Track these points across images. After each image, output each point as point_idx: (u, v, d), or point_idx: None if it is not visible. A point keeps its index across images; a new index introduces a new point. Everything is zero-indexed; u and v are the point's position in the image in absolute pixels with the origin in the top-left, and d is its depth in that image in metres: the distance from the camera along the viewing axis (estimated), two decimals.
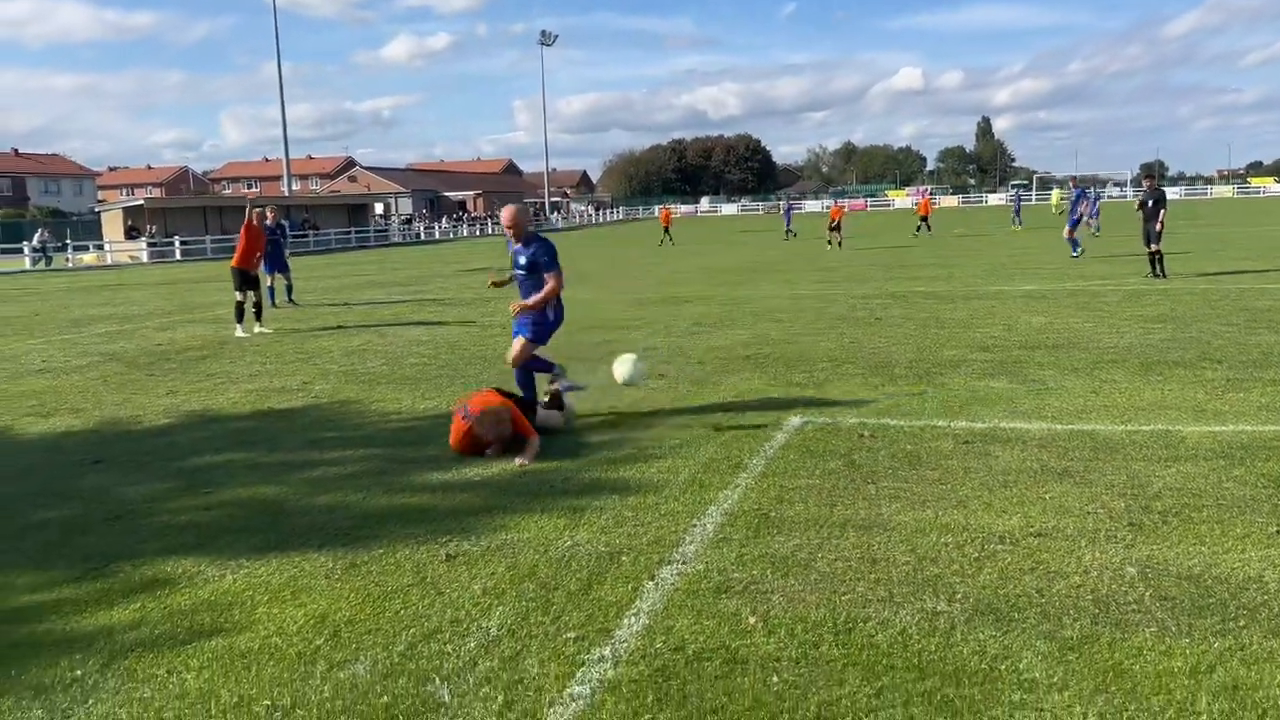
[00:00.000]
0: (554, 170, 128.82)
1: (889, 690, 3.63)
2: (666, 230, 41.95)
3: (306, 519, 5.64)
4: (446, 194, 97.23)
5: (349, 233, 57.24)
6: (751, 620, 4.17)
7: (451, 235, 69.75)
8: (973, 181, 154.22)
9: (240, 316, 14.82)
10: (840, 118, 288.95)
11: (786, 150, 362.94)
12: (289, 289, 20.58)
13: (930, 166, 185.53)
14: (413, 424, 7.92)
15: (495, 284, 8.23)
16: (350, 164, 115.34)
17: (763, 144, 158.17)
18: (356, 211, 63.95)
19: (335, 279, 27.89)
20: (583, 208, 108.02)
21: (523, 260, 7.60)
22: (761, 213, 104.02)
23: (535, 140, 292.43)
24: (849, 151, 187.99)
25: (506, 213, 7.59)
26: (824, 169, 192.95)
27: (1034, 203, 75.38)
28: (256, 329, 14.75)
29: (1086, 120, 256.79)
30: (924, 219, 37.48)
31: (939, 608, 4.26)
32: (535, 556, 4.96)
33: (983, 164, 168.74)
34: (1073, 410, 7.62)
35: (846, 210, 36.04)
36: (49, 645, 4.13)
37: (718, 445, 6.92)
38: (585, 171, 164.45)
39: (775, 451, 6.70)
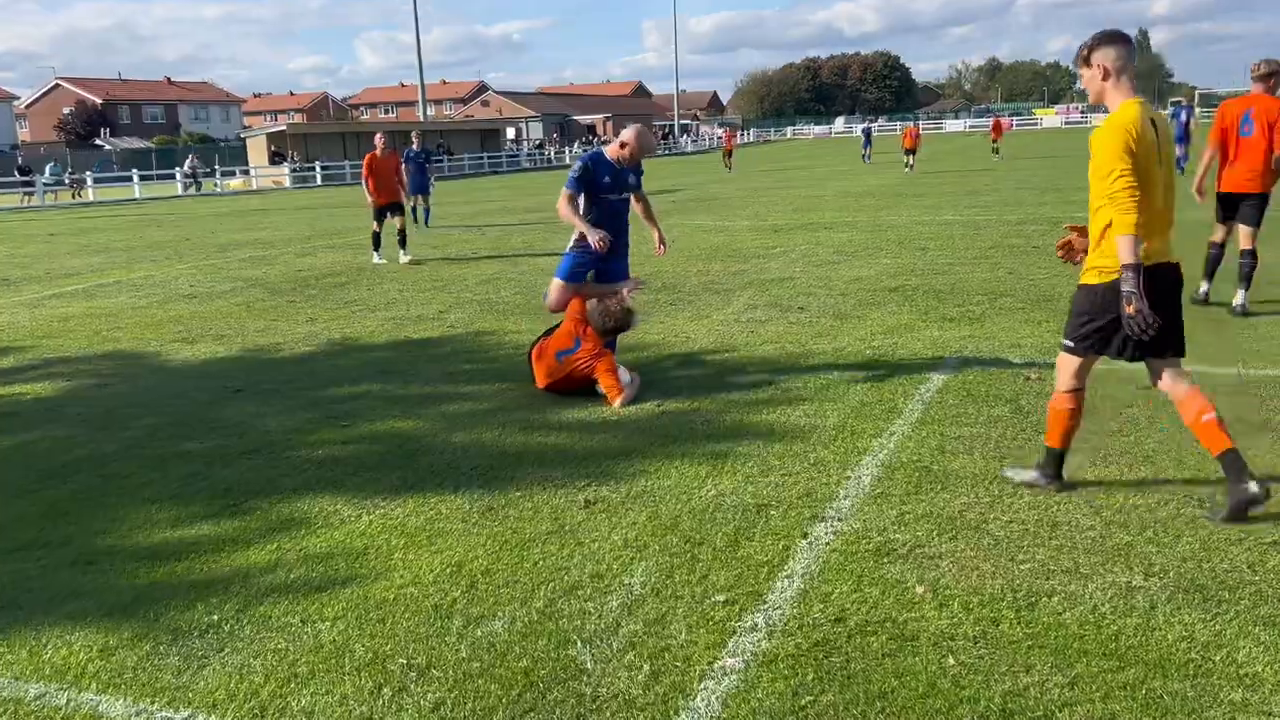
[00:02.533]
0: (683, 91, 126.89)
1: (1084, 680, 3.21)
2: (728, 154, 41.45)
3: (443, 457, 5.50)
4: (576, 117, 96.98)
5: (481, 158, 57.66)
6: (919, 590, 3.79)
7: (556, 160, 69.55)
8: None
9: (377, 244, 14.92)
10: (984, 32, 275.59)
11: (926, 68, 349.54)
12: (427, 213, 21.02)
13: (1080, 84, 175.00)
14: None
15: None
16: (482, 88, 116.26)
17: (901, 61, 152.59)
18: (488, 136, 64.39)
19: (469, 204, 28.08)
20: (713, 129, 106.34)
21: (631, 179, 6.69)
22: (898, 133, 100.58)
23: (664, 62, 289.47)
24: (993, 68, 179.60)
25: (633, 134, 6.62)
26: (966, 86, 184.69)
27: (1204, 122, 70.64)
28: (403, 258, 14.49)
29: (1261, 31, 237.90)
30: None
31: (1134, 582, 3.79)
32: (677, 506, 4.68)
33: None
34: (1274, 351, 6.89)
35: (918, 133, 35.37)
36: (187, 586, 4.07)
37: (867, 387, 6.54)
38: (715, 93, 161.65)
39: (932, 395, 6.30)
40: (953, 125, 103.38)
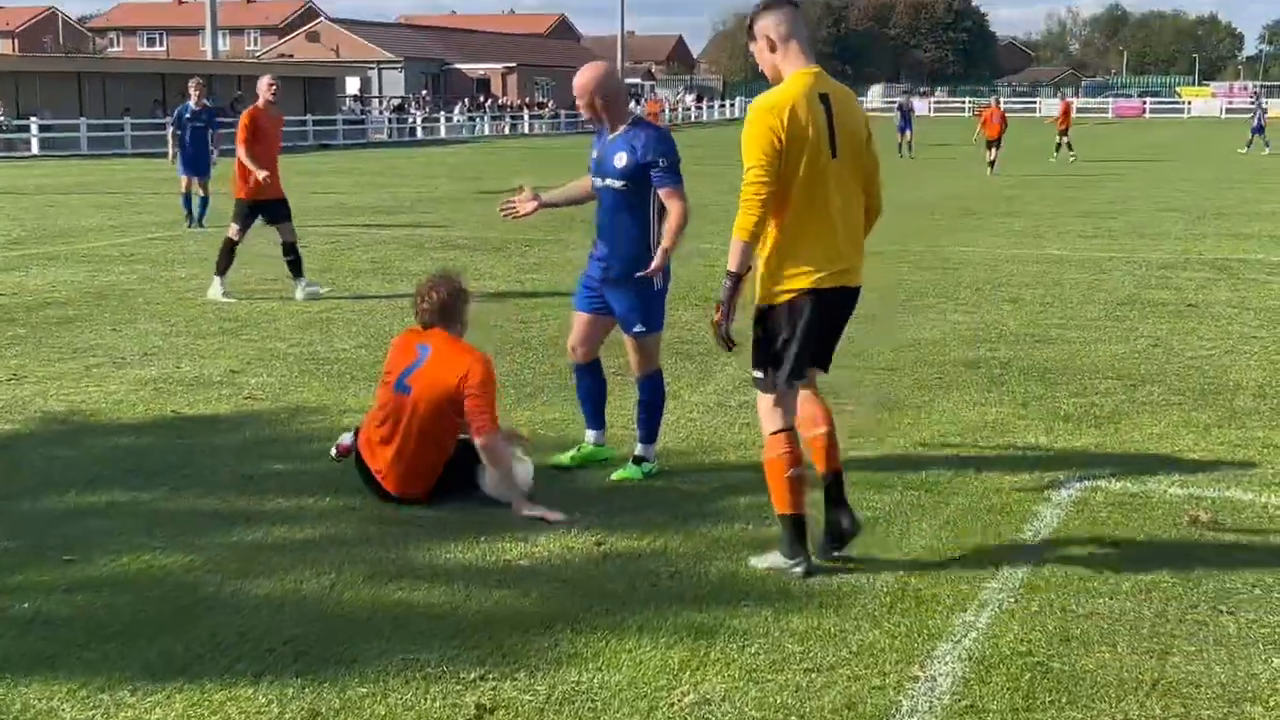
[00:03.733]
0: (631, 34, 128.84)
1: None
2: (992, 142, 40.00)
3: (235, 622, 5.38)
4: (459, 66, 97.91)
5: (305, 121, 57.91)
6: None
7: (467, 132, 70.20)
8: None
9: (226, 262, 13.80)
10: None
11: (1012, 15, 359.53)
12: (203, 205, 20.98)
13: (1250, 49, 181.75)
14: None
15: (519, 213, 7.54)
16: (309, 14, 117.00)
17: (973, 3, 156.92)
18: (317, 89, 64.70)
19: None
20: (677, 96, 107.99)
21: (621, 161, 7.02)
22: (968, 114, 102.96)
23: None
24: (1114, 21, 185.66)
25: (585, 76, 7.03)
26: (1073, 48, 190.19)
27: None
28: (300, 291, 13.80)
29: None
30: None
31: None
32: None
33: None
34: None
35: (1003, 115, 36.80)
36: None
37: (938, 525, 6.56)
38: (680, 39, 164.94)
39: (1044, 541, 6.35)
40: (1052, 105, 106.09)
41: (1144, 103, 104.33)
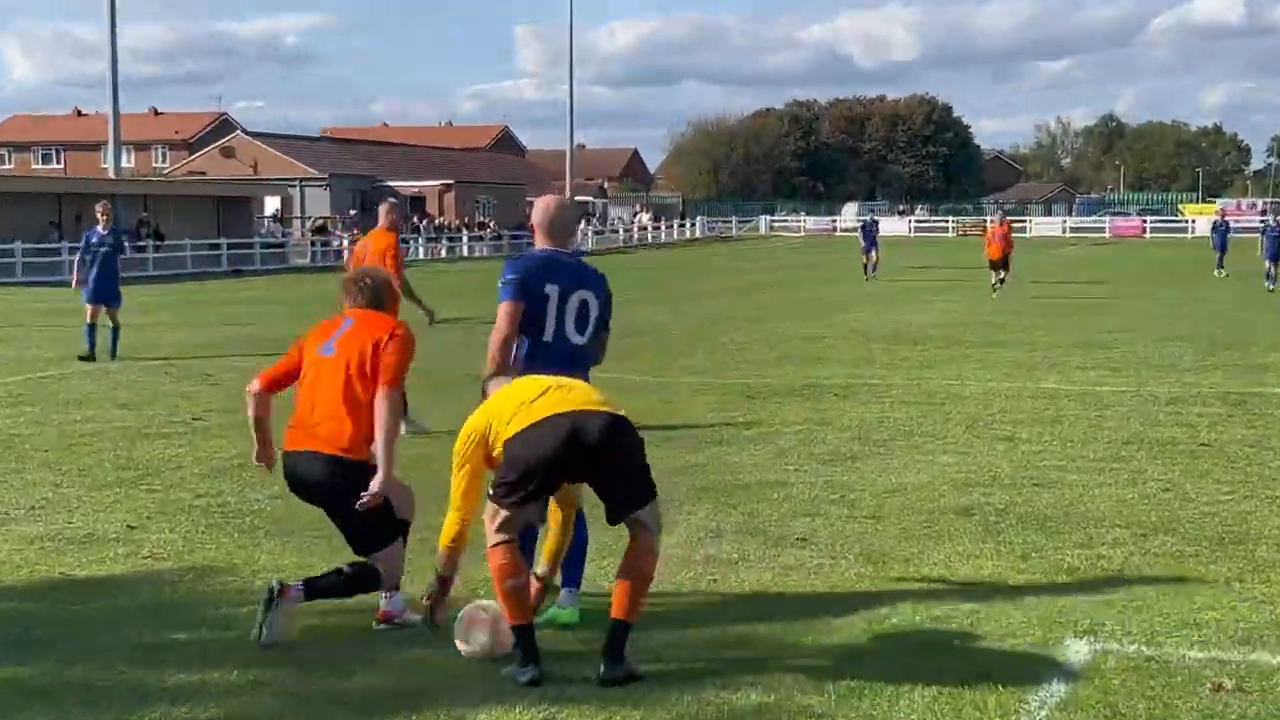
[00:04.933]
0: (582, 148, 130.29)
1: None
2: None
3: None
4: (391, 182, 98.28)
5: (219, 245, 58.03)
6: None
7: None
8: None
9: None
10: (1093, 73, 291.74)
11: (997, 127, 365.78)
12: (114, 337, 21.11)
13: (1258, 163, 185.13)
14: (339, 620, 7.64)
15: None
16: (224, 128, 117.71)
17: (955, 114, 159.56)
18: (232, 209, 64.93)
19: (191, 328, 27.90)
20: (632, 215, 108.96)
21: (578, 297, 7.83)
22: (952, 234, 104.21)
23: (551, 96, 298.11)
24: (1109, 134, 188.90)
25: (545, 205, 8.06)
26: (1065, 162, 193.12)
27: None
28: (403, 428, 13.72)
29: None
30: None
31: None
32: None
33: None
34: None
35: (1008, 233, 37.90)
36: None
37: (933, 694, 6.50)
38: (635, 152, 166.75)
39: (1051, 713, 6.28)
40: (1045, 225, 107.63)
41: (1144, 221, 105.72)
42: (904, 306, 33.37)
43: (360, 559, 7.27)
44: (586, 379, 7.51)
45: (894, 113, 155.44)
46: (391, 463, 7.14)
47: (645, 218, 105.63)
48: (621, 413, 6.77)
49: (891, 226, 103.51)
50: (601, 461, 6.64)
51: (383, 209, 15.94)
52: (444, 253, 73.86)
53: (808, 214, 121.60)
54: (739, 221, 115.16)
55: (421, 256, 71.13)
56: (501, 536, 6.67)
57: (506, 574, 6.62)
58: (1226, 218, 55.92)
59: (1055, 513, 10.30)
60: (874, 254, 46.07)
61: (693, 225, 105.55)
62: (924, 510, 10.39)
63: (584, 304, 7.77)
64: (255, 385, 7.58)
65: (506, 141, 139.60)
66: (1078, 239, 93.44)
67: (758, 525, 9.88)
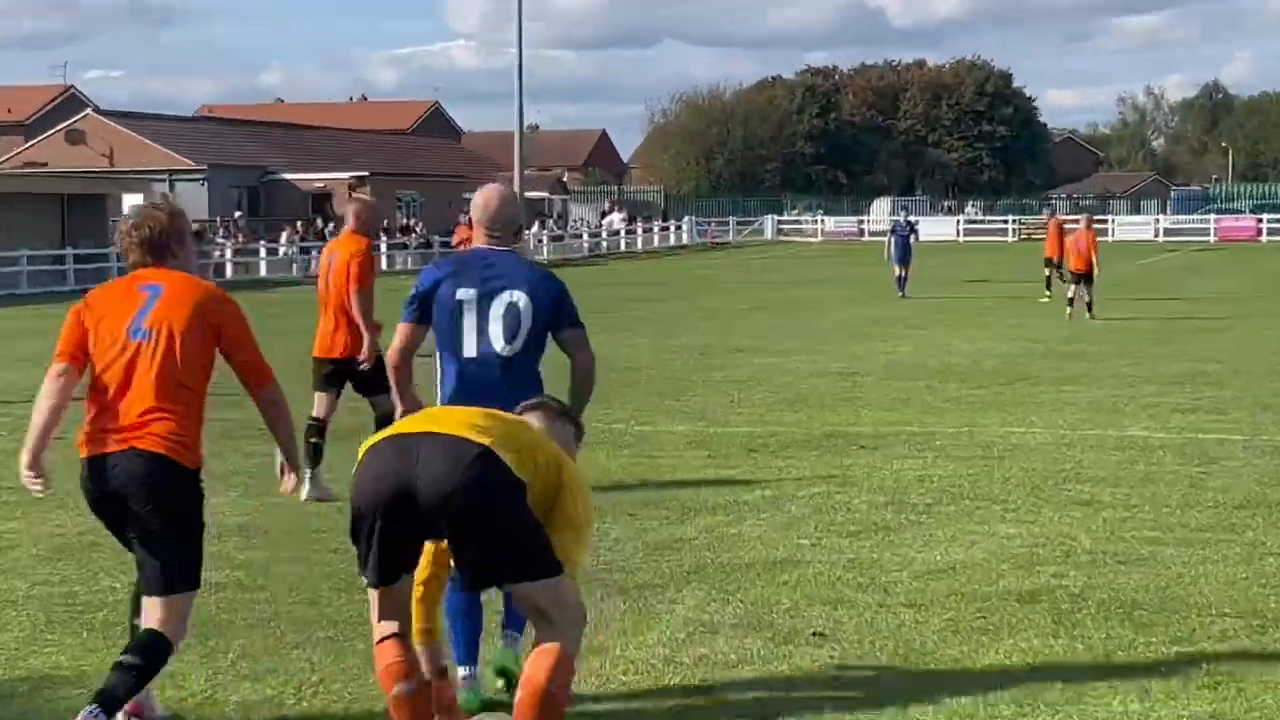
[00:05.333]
0: (535, 129, 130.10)
1: None
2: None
3: None
4: (288, 176, 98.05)
5: (64, 258, 57.77)
6: None
7: (299, 270, 69.96)
8: None
9: (316, 456, 14.44)
10: (1193, 30, 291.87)
11: (1064, 101, 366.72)
12: None
13: None
14: None
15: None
16: (71, 105, 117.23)
17: (1015, 84, 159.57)
18: (82, 210, 64.45)
19: (26, 367, 27.76)
20: (600, 215, 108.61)
21: (503, 300, 8.28)
22: (1012, 237, 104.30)
23: (494, 62, 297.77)
24: (1213, 107, 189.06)
25: (484, 198, 8.64)
26: (1157, 144, 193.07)
27: None
28: (305, 491, 13.70)
29: None
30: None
31: None
32: None
33: None
34: None
35: (1093, 239, 38.00)
36: None
37: None
38: (605, 134, 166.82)
39: None
40: (1132, 226, 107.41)
41: (1260, 221, 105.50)
42: (951, 332, 33.35)
43: (144, 635, 7.38)
44: (534, 396, 7.79)
45: (937, 82, 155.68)
46: (298, 452, 7.68)
47: (617, 219, 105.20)
48: (488, 443, 6.57)
49: (934, 228, 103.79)
50: (449, 508, 6.53)
51: (351, 208, 16.03)
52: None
53: (827, 212, 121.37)
54: (738, 223, 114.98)
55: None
56: (383, 629, 6.79)
57: (393, 677, 6.71)
58: None
59: (1147, 598, 10.24)
60: (903, 268, 46.33)
61: (678, 228, 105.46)
62: (976, 596, 10.35)
63: (511, 307, 8.12)
64: (61, 364, 7.64)
65: (437, 121, 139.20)
66: (1174, 243, 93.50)
67: (763, 617, 9.80)
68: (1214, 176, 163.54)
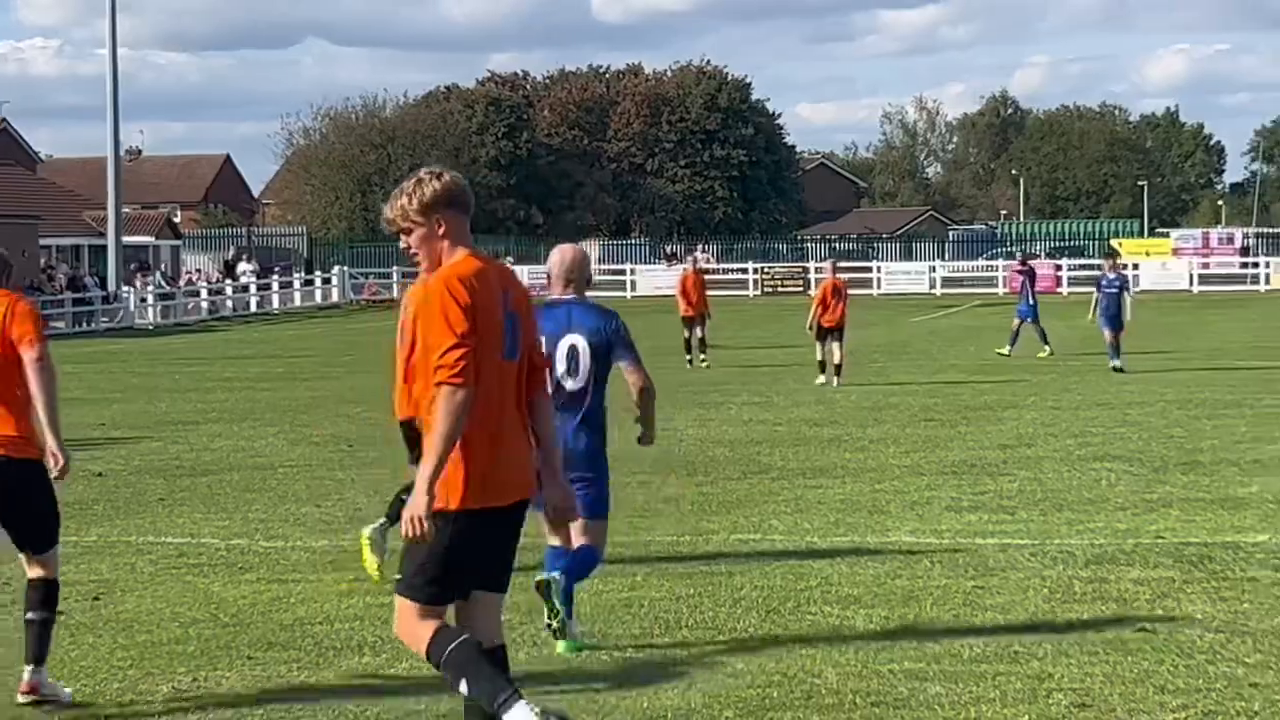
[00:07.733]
0: (137, 154, 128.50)
1: None
2: None
3: None
4: None
5: None
6: None
7: None
8: None
9: None
10: (976, 29, 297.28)
11: (817, 116, 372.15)
12: None
13: (1235, 172, 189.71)
14: None
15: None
16: None
17: (755, 96, 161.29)
18: None
19: None
20: (223, 267, 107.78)
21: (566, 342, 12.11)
22: (752, 290, 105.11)
23: (82, 66, 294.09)
24: (1000, 122, 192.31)
25: (564, 256, 13.14)
26: (929, 169, 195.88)
27: None
28: None
29: None
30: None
31: None
32: None
33: None
34: None
35: (842, 287, 40.58)
36: None
37: None
38: (229, 160, 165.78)
39: None
40: (901, 275, 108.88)
41: (1059, 269, 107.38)
42: (675, 411, 33.46)
43: (37, 581, 9.82)
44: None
45: (656, 94, 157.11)
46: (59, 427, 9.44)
47: (248, 269, 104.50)
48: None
49: (653, 280, 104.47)
50: None
51: None
52: None
53: (518, 261, 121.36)
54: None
55: None
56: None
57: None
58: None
59: None
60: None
61: (327, 281, 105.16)
62: None
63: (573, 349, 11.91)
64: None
65: (4, 144, 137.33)
66: (954, 296, 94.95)
67: None
68: (1003, 212, 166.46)
